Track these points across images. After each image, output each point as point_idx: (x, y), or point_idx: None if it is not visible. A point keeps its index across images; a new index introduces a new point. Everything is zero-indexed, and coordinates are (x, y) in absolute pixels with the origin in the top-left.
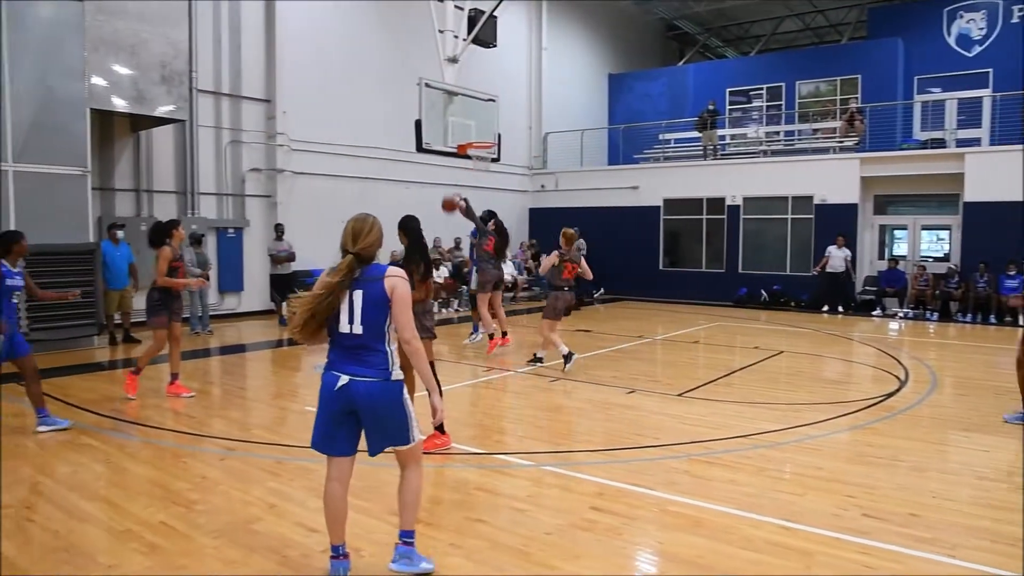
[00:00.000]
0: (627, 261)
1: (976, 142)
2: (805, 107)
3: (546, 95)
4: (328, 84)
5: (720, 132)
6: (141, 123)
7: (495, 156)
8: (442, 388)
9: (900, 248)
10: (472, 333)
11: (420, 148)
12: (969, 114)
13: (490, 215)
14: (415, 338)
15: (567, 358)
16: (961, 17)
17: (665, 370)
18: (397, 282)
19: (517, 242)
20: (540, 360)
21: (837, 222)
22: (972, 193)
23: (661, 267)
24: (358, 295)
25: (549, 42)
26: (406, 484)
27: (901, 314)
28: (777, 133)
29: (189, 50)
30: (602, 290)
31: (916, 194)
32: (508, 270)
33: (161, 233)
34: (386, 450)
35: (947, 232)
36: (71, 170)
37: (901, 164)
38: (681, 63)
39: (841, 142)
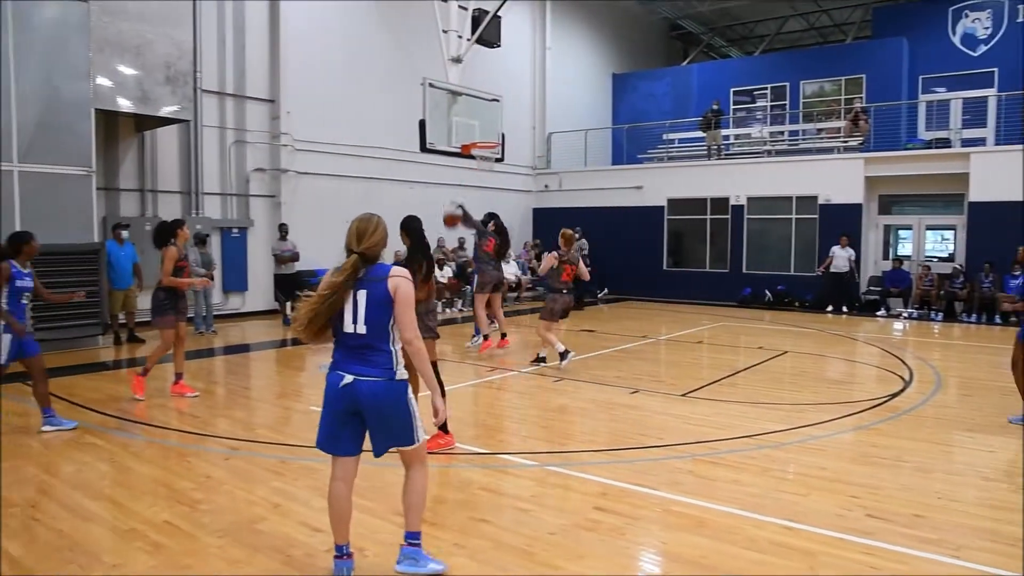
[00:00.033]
0: (631, 261)
1: (981, 142)
2: (809, 107)
3: (550, 95)
4: (332, 84)
5: (724, 132)
6: (146, 123)
7: (499, 156)
8: (445, 388)
9: (905, 248)
10: (474, 336)
11: (424, 148)
12: (974, 114)
13: (490, 217)
14: (417, 338)
15: (563, 355)
16: (966, 16)
17: (669, 370)
18: (400, 282)
19: (521, 242)
20: (543, 360)
21: (841, 222)
22: (977, 193)
23: (665, 267)
24: (362, 295)
25: (553, 42)
26: (411, 485)
27: (905, 314)
28: (781, 133)
29: (193, 50)
30: (606, 290)
31: (921, 194)
32: (512, 270)
33: (166, 233)
34: (391, 450)
35: (952, 232)
36: (76, 170)
37: (906, 164)
38: (685, 63)
39: (845, 142)
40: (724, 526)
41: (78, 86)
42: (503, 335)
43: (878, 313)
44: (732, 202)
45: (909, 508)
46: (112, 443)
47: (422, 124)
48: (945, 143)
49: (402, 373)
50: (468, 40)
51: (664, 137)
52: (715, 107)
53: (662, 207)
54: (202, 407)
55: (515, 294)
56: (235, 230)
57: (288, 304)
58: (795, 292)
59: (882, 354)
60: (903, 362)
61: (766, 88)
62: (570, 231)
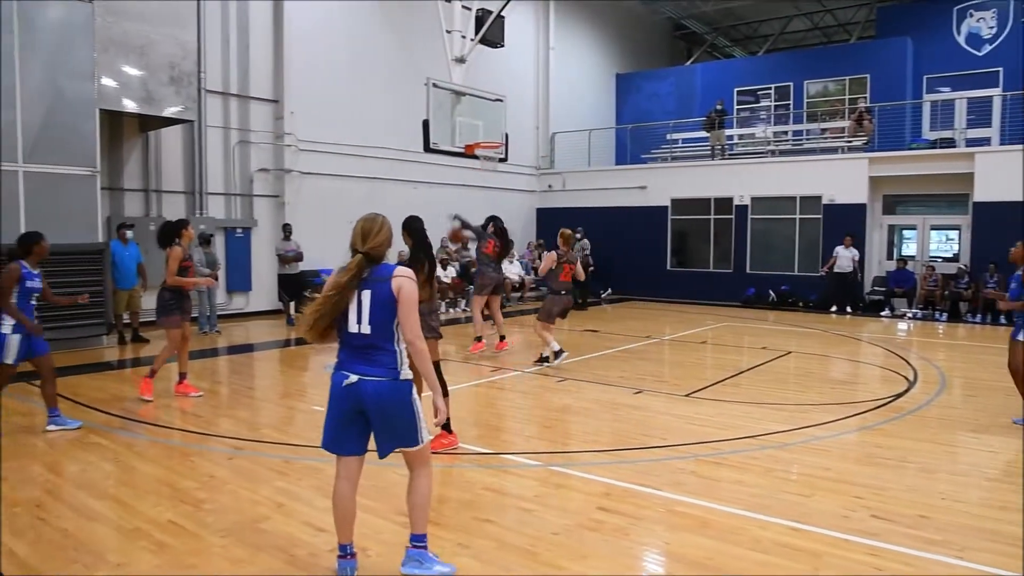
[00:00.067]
0: (635, 261)
1: (986, 141)
2: (813, 107)
3: (553, 95)
4: (336, 84)
5: (728, 132)
6: (150, 123)
7: (502, 156)
8: (448, 388)
9: (909, 248)
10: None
11: (428, 148)
12: (979, 113)
13: (490, 219)
14: (419, 339)
15: (557, 354)
16: (971, 16)
17: (672, 370)
18: (404, 282)
19: (524, 242)
20: (547, 360)
21: (845, 222)
22: (982, 193)
23: (669, 267)
24: (366, 295)
25: (556, 42)
26: (415, 487)
27: (910, 315)
28: (785, 133)
29: (198, 51)
30: (609, 290)
31: (925, 194)
32: (515, 270)
33: (170, 233)
34: (396, 450)
35: (956, 232)
36: (80, 170)
37: (910, 164)
38: (689, 63)
39: (850, 142)
40: (728, 527)
41: (82, 86)
42: (501, 337)
43: (882, 313)
44: (736, 202)
45: (913, 509)
46: (116, 443)
47: (426, 124)
48: (950, 143)
49: (407, 373)
50: (472, 40)
51: (668, 137)
52: (719, 107)
53: (666, 207)
54: (206, 407)
55: (519, 294)
56: (239, 230)
57: (292, 304)
58: (799, 292)
59: (886, 354)
60: (907, 363)
61: (770, 88)
62: (569, 231)
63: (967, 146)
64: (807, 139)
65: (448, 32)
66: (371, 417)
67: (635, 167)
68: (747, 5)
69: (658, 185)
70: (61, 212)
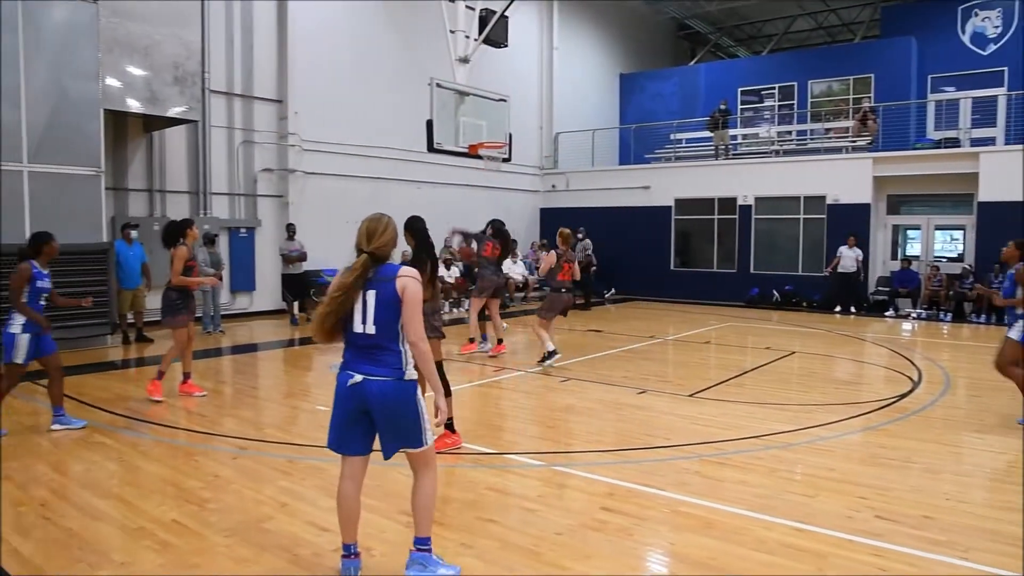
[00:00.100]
0: (638, 261)
1: (991, 141)
2: (817, 106)
3: (557, 95)
4: (339, 84)
5: (732, 132)
6: (154, 123)
7: (506, 156)
8: (450, 388)
9: (913, 248)
10: (481, 341)
11: (431, 148)
12: (984, 113)
13: (491, 222)
14: (422, 340)
15: (550, 355)
16: (976, 15)
17: (676, 370)
18: (408, 282)
19: (528, 242)
20: (556, 352)
21: (849, 222)
22: (986, 193)
23: (672, 267)
24: (371, 295)
25: (560, 42)
26: (420, 489)
27: (914, 315)
28: (789, 133)
29: (202, 51)
30: (613, 290)
31: (930, 194)
32: (519, 270)
33: (175, 233)
34: (401, 451)
35: (961, 232)
36: (85, 170)
37: (914, 164)
38: (693, 63)
39: (854, 142)
40: (732, 527)
41: (87, 86)
42: (499, 341)
43: (886, 314)
44: (740, 202)
45: (918, 509)
46: (121, 442)
47: (429, 124)
48: (954, 143)
49: (411, 373)
50: (475, 40)
51: (671, 137)
52: (723, 107)
53: (669, 207)
54: (210, 406)
55: (522, 294)
56: (243, 230)
57: (295, 304)
58: (803, 292)
59: (891, 355)
60: (912, 363)
61: (774, 88)
62: (567, 230)
63: (972, 146)
64: (811, 139)
65: (452, 32)
66: (375, 417)
67: (639, 167)
68: (751, 5)
69: (662, 185)
70: (65, 212)
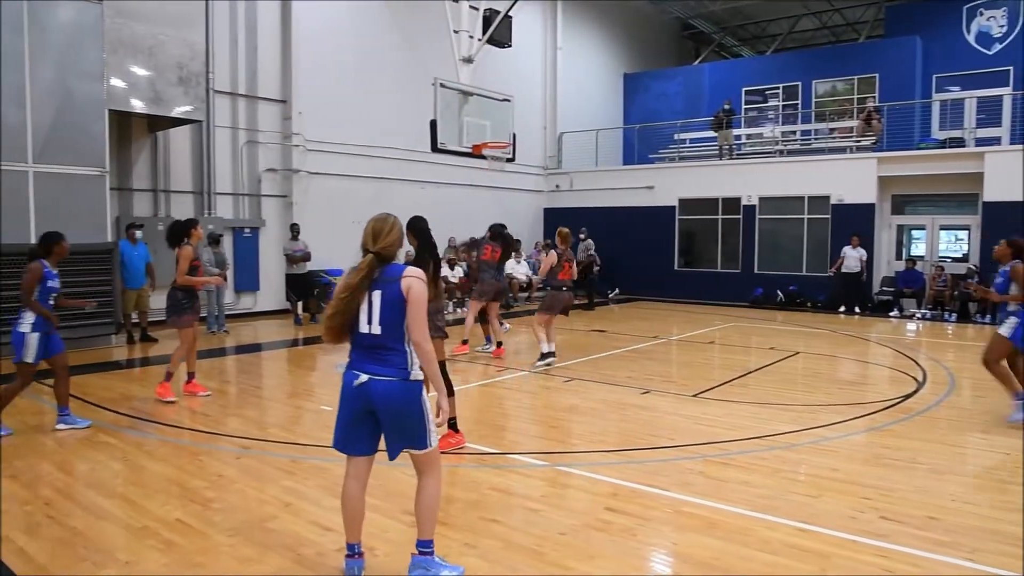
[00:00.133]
0: (642, 261)
1: (996, 141)
2: (822, 106)
3: (561, 95)
4: (343, 84)
5: (736, 132)
6: (158, 124)
7: (510, 156)
8: (453, 388)
9: (918, 248)
10: (486, 343)
11: (435, 148)
12: (989, 113)
13: (490, 227)
14: (426, 340)
15: (544, 356)
16: (981, 15)
17: (680, 370)
18: (413, 282)
19: (532, 242)
20: (552, 355)
21: (854, 222)
22: (992, 193)
23: (676, 267)
24: (376, 295)
25: (564, 42)
26: (423, 492)
27: (919, 315)
28: (793, 132)
29: (206, 51)
30: (617, 290)
31: (934, 194)
32: (523, 270)
33: (180, 233)
34: (405, 452)
35: (966, 232)
36: (90, 170)
37: (919, 163)
38: (697, 62)
39: (858, 141)
40: (736, 527)
41: (92, 87)
42: (498, 344)
43: (891, 314)
44: (744, 202)
45: (922, 510)
46: (125, 442)
47: (433, 124)
48: (959, 142)
49: (417, 373)
50: (479, 40)
51: (675, 137)
52: (727, 107)
53: (673, 207)
54: (214, 406)
55: (526, 294)
56: (247, 230)
57: (299, 304)
58: (807, 292)
59: (895, 355)
60: (916, 363)
61: (778, 87)
62: (566, 229)
63: (977, 146)
64: (815, 139)
65: (455, 32)
66: (381, 417)
67: (643, 167)
68: (755, 4)
69: (666, 185)
70: (70, 212)
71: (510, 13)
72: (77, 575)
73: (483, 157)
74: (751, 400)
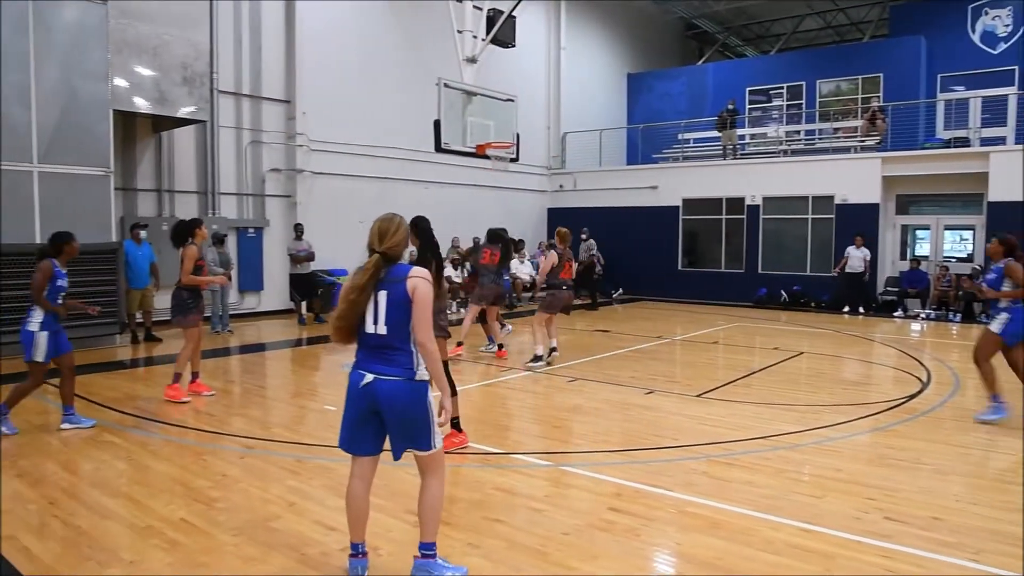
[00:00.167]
0: (646, 261)
1: (1001, 141)
2: (826, 106)
3: (565, 95)
4: (347, 85)
5: (740, 131)
6: (163, 124)
7: (514, 156)
8: (456, 387)
9: (922, 248)
10: (488, 343)
11: (439, 148)
12: (994, 112)
13: (489, 230)
14: (430, 341)
15: (537, 358)
16: (986, 14)
17: (684, 371)
18: (419, 283)
19: (535, 242)
20: (554, 351)
21: (858, 222)
22: (997, 192)
23: (680, 267)
24: (382, 295)
25: (568, 42)
26: (426, 494)
27: (923, 315)
28: (797, 132)
29: (210, 52)
30: (620, 290)
31: (939, 194)
32: (527, 270)
33: (184, 232)
34: (409, 453)
35: (971, 232)
36: (94, 171)
37: (924, 163)
38: (700, 62)
39: (862, 141)
40: (739, 527)
41: (96, 87)
42: (500, 346)
43: (895, 314)
44: (748, 202)
45: (927, 511)
46: (129, 441)
47: (437, 124)
48: (964, 142)
49: (423, 374)
50: (483, 40)
51: (679, 137)
52: (731, 107)
53: (677, 207)
54: (218, 406)
55: (529, 294)
56: (251, 230)
57: (303, 304)
58: (811, 293)
59: (899, 355)
60: (921, 363)
61: (782, 87)
62: (565, 229)
63: (982, 145)
64: (819, 139)
65: (459, 32)
66: (386, 417)
67: (646, 167)
68: (759, 4)
69: (669, 185)
70: (75, 212)
71: (514, 13)
72: (82, 575)
73: (487, 157)
74: (755, 400)
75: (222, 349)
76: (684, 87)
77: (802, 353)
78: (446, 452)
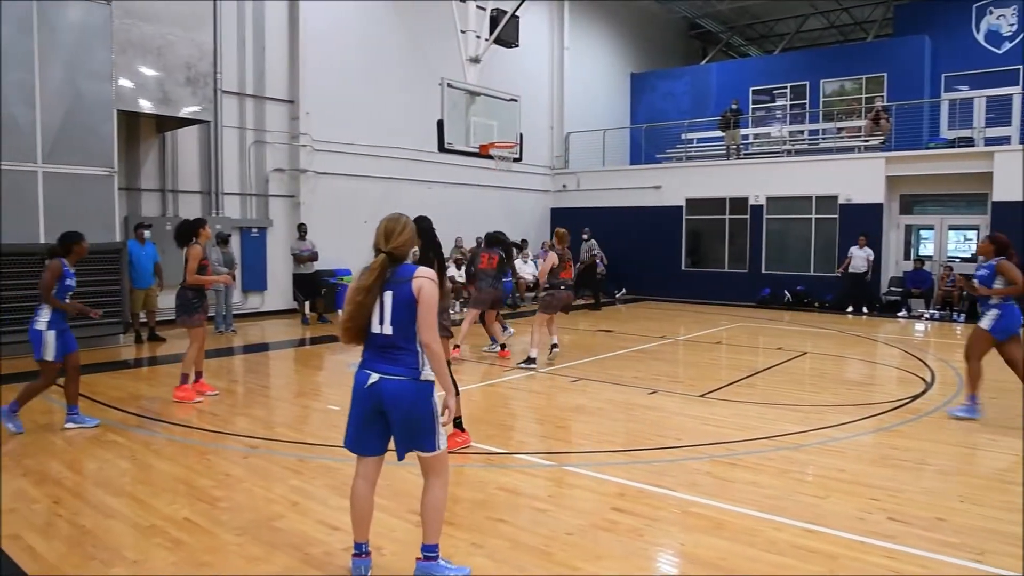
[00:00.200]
0: (649, 261)
1: (1005, 140)
2: (830, 106)
3: (568, 95)
4: (351, 85)
5: (743, 131)
6: (167, 124)
7: (517, 156)
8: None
9: (926, 248)
10: (491, 343)
11: (442, 148)
12: (998, 112)
13: (487, 234)
14: (435, 341)
15: (530, 360)
16: (991, 13)
17: (687, 371)
18: (424, 283)
19: (539, 242)
20: (555, 347)
21: (862, 222)
22: (1001, 192)
23: (683, 267)
24: (388, 295)
25: (571, 42)
26: (429, 495)
27: (927, 315)
28: (801, 132)
29: (214, 52)
30: (624, 290)
31: (943, 194)
32: (530, 270)
33: (188, 232)
34: (413, 454)
35: (975, 232)
36: (98, 171)
37: (928, 163)
38: (704, 62)
39: (866, 141)
40: (743, 528)
41: (100, 87)
42: (502, 346)
43: (899, 314)
44: (751, 202)
45: (930, 511)
46: (133, 441)
47: (440, 124)
48: (968, 142)
49: (428, 374)
50: (486, 40)
51: (683, 137)
52: (734, 106)
53: (680, 207)
54: (222, 405)
55: (532, 294)
56: (254, 230)
57: (307, 304)
58: (815, 293)
59: (903, 355)
60: (925, 364)
61: (786, 87)
62: (563, 230)
63: (986, 145)
64: (823, 138)
65: (462, 32)
66: (391, 417)
67: (650, 167)
68: (763, 4)
69: (673, 185)
70: (79, 212)
71: (517, 13)
72: (86, 574)
73: (490, 157)
74: (758, 400)
75: (226, 349)
76: (687, 87)
77: (806, 353)
78: (449, 452)
